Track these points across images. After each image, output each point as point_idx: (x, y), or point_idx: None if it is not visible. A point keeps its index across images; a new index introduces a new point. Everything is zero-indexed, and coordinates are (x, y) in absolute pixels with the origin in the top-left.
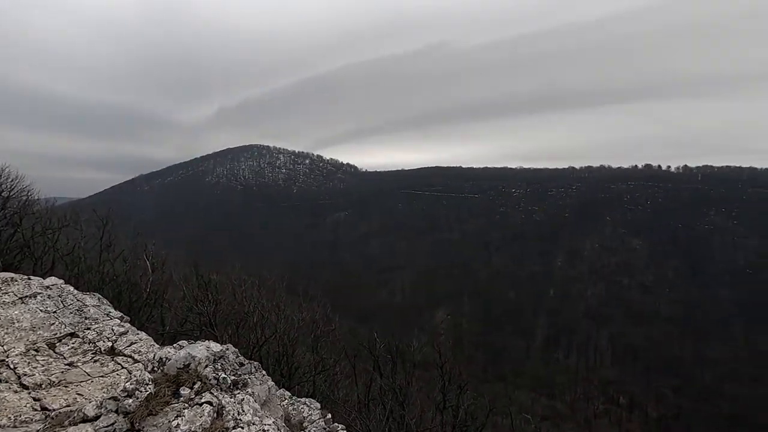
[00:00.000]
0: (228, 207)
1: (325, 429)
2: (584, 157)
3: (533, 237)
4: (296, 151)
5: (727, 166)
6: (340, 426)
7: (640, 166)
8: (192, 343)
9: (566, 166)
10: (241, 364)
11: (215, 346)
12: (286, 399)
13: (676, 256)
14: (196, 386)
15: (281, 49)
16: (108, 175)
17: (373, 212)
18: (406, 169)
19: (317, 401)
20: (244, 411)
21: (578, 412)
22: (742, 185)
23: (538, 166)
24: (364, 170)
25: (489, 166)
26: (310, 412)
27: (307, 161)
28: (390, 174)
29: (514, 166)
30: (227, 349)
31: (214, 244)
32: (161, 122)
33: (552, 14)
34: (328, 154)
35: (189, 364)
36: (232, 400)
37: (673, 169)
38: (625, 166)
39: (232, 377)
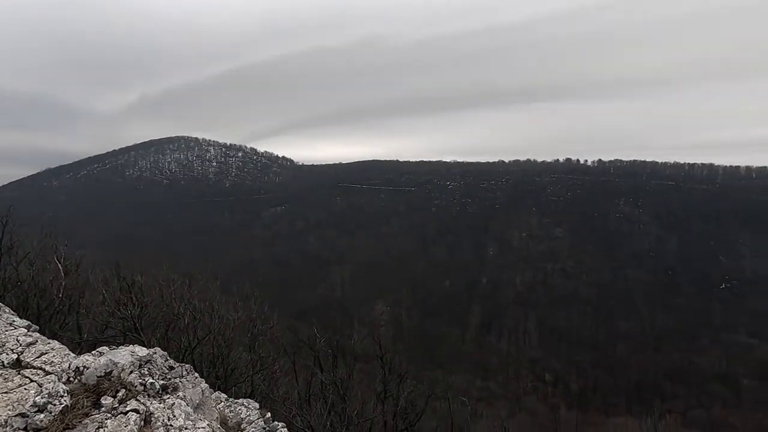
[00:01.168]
0: (153, 203)
1: (264, 428)
2: (513, 152)
3: (467, 228)
4: (228, 144)
5: (634, 161)
6: (280, 424)
7: (561, 160)
8: (114, 349)
9: (497, 160)
10: (171, 368)
11: (141, 351)
12: (222, 401)
13: (592, 242)
14: (119, 394)
15: (209, 37)
16: (6, 170)
17: (311, 207)
18: (344, 162)
19: (256, 401)
20: (175, 416)
21: (510, 391)
22: (646, 178)
23: (471, 160)
24: (300, 164)
25: (425, 159)
26: (248, 413)
27: (240, 154)
28: (327, 168)
29: (448, 160)
30: (155, 353)
31: (138, 244)
32: (73, 111)
33: (480, 14)
34: (262, 147)
35: (111, 372)
36: (161, 405)
37: (589, 163)
38: (549, 160)
39: (161, 382)
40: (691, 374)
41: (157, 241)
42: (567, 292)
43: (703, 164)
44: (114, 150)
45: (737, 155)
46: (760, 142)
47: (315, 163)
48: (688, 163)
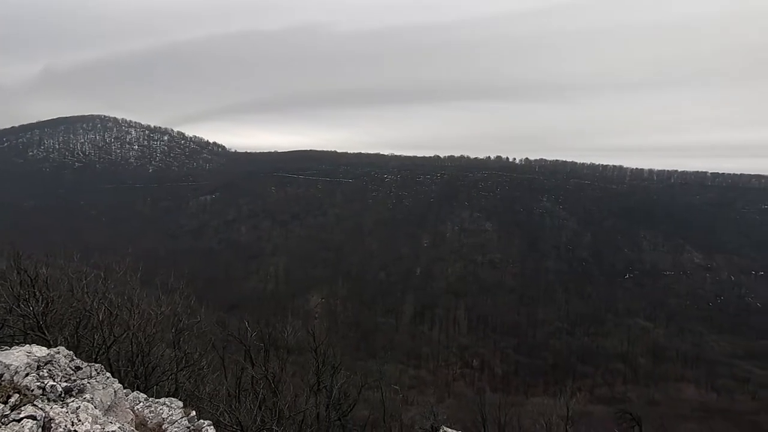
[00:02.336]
0: (62, 187)
1: (189, 428)
2: (448, 148)
3: (403, 221)
4: (152, 126)
5: (556, 160)
6: (207, 422)
7: (492, 157)
8: (5, 349)
9: (433, 155)
10: (78, 368)
11: (40, 351)
12: (141, 401)
13: (517, 236)
14: (12, 399)
15: (132, 10)
16: None
17: (243, 196)
18: (280, 151)
19: (180, 399)
20: (80, 420)
21: (440, 378)
22: (566, 176)
23: (408, 154)
24: (233, 151)
25: (363, 152)
26: (170, 412)
27: (166, 138)
28: (262, 156)
29: (386, 153)
30: (57, 353)
31: (43, 232)
32: None
33: (419, 11)
34: (191, 132)
35: (2, 375)
36: (63, 410)
37: (517, 161)
38: (481, 157)
39: (64, 384)
40: (598, 355)
41: (66, 229)
42: (494, 282)
43: (614, 166)
44: (13, 127)
45: (642, 159)
46: (661, 147)
47: (249, 151)
48: (602, 165)
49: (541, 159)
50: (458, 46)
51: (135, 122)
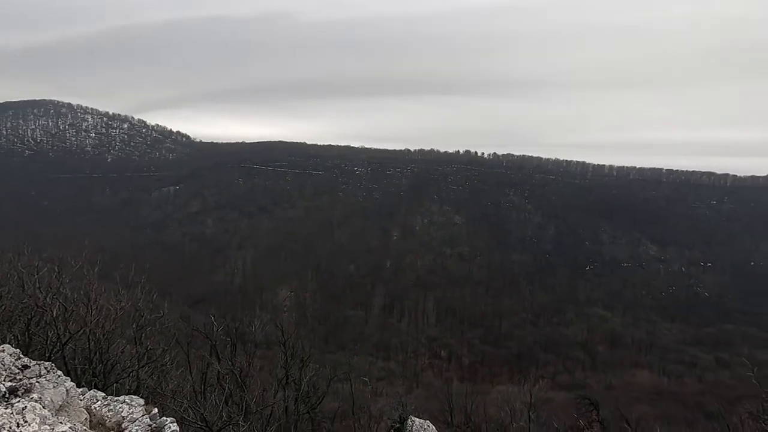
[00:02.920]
0: (10, 176)
1: (150, 426)
2: (418, 141)
3: (373, 213)
4: (110, 113)
5: (523, 156)
6: (169, 419)
7: (461, 151)
8: None
9: (403, 148)
10: (25, 367)
11: None
12: (98, 400)
13: (485, 229)
14: None
15: None
16: None
17: (209, 187)
18: (247, 142)
19: (142, 397)
20: (26, 421)
21: (408, 369)
22: (532, 171)
23: (379, 147)
24: (198, 140)
25: (333, 144)
26: (131, 411)
27: (126, 126)
28: (228, 146)
29: (356, 146)
30: (2, 352)
31: None
32: None
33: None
34: (153, 120)
35: None
36: (8, 411)
37: (486, 155)
38: (451, 150)
39: (9, 384)
40: (559, 344)
41: (15, 221)
42: (462, 274)
43: (577, 162)
44: None
45: (604, 155)
46: (621, 144)
47: (215, 141)
48: (566, 160)
49: (509, 154)
50: (429, 39)
51: (92, 108)
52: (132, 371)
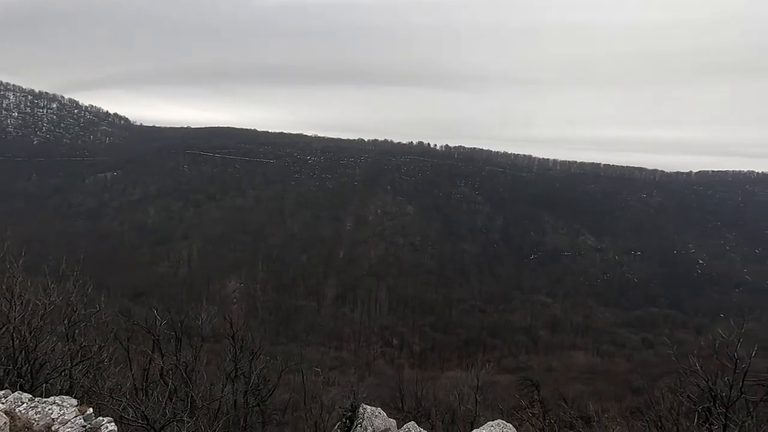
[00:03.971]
0: None
1: (84, 426)
2: (372, 131)
3: (326, 203)
4: (36, 91)
5: (473, 148)
6: (107, 419)
7: (414, 142)
8: None
9: (357, 138)
10: None
11: None
12: (24, 402)
13: (437, 219)
14: None
15: None
16: None
17: (151, 174)
18: (193, 127)
19: (75, 397)
20: None
21: (361, 358)
22: (482, 164)
23: (332, 136)
24: (138, 124)
25: (285, 131)
26: (62, 412)
27: (55, 105)
28: (172, 131)
29: (309, 134)
30: None
31: None
32: None
33: None
34: (86, 100)
35: None
36: None
37: (438, 147)
38: (404, 141)
39: None
40: (505, 330)
41: None
42: (414, 263)
43: (524, 155)
44: None
45: (548, 149)
46: (564, 140)
47: (157, 125)
48: (514, 154)
49: (460, 146)
50: (383, 29)
51: (14, 85)
52: (64, 370)
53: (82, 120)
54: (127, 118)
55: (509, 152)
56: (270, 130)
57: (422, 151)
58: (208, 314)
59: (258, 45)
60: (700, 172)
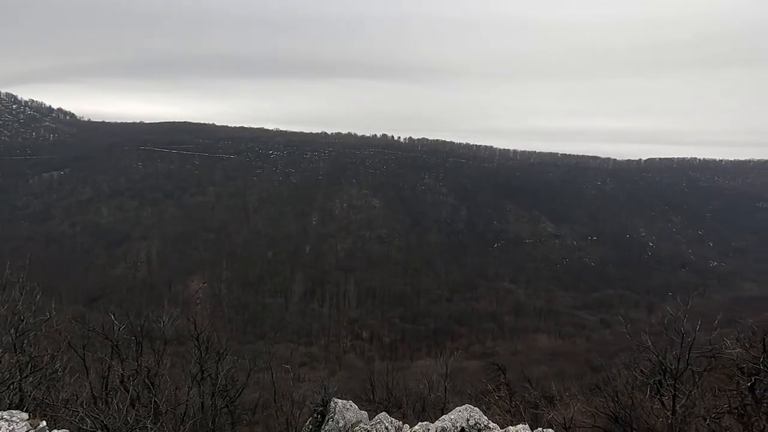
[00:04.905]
0: None
1: None
2: (335, 124)
3: (290, 198)
4: None
5: (437, 140)
6: (62, 431)
7: (378, 135)
8: None
9: (320, 131)
10: None
11: None
12: None
13: (402, 211)
14: None
15: None
16: None
17: (102, 172)
18: (147, 122)
19: (26, 411)
20: None
21: (331, 352)
22: (445, 155)
23: (294, 129)
24: (85, 119)
25: (245, 126)
26: (11, 428)
27: None
28: (124, 127)
29: (271, 128)
30: None
31: None
32: None
33: None
34: (25, 94)
35: None
36: None
37: (402, 139)
38: (368, 134)
39: None
40: (472, 317)
41: None
42: (381, 256)
43: (485, 146)
44: None
45: (508, 140)
46: (523, 131)
47: (107, 121)
48: (476, 145)
49: (423, 138)
50: (344, 21)
51: None
52: (12, 383)
53: (22, 116)
54: (72, 114)
55: (471, 143)
56: (229, 125)
57: (386, 143)
58: (171, 316)
59: (213, 36)
60: (648, 159)
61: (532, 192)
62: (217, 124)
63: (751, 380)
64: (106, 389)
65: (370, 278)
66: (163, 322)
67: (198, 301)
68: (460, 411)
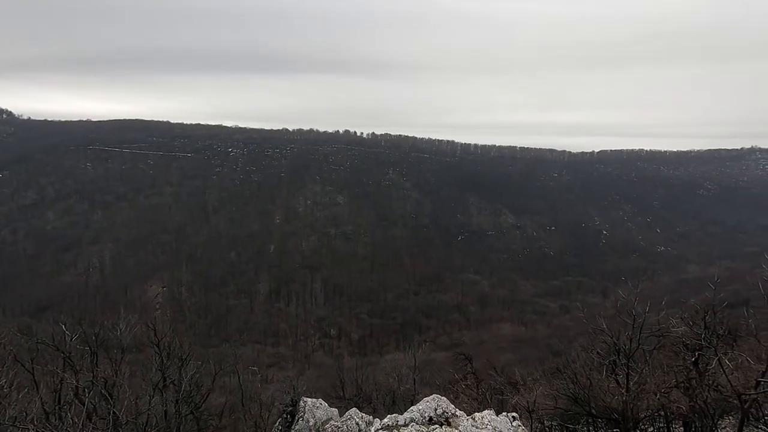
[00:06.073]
0: None
1: None
2: (296, 120)
3: (252, 197)
4: None
5: (399, 135)
6: None
7: (341, 131)
8: None
9: (281, 128)
10: None
11: None
12: None
13: (368, 207)
14: None
15: None
16: None
17: (46, 174)
18: (95, 120)
19: None
20: None
21: (299, 351)
22: (408, 150)
23: (254, 126)
24: (25, 118)
25: (202, 123)
26: None
27: None
28: (69, 125)
29: (229, 125)
30: None
31: None
32: None
33: None
34: None
35: None
36: None
37: (365, 135)
38: (330, 130)
39: None
40: (439, 309)
41: None
42: (347, 252)
43: (447, 141)
44: None
45: (470, 135)
46: (483, 125)
47: (50, 119)
48: (438, 140)
49: (386, 134)
50: (300, 15)
51: None
52: None
53: None
54: (10, 112)
55: (434, 138)
56: (185, 122)
57: (349, 139)
58: (128, 323)
59: (165, 29)
60: (601, 151)
61: (493, 185)
62: (172, 121)
63: (695, 355)
64: (59, 403)
65: (336, 275)
66: (120, 330)
67: (157, 306)
68: (428, 401)
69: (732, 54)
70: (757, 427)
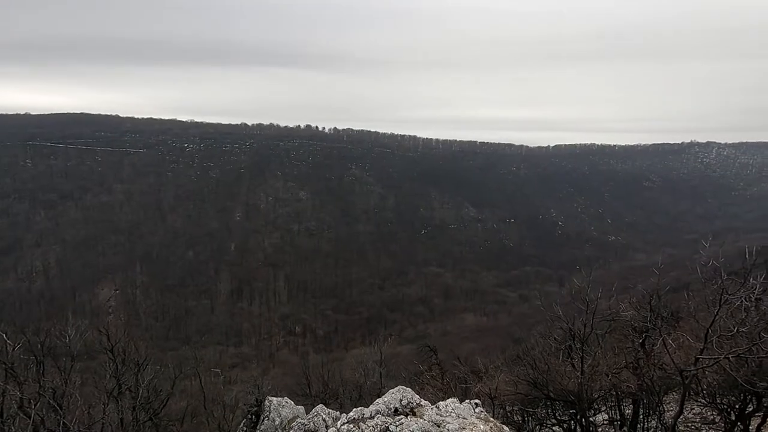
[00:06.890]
0: None
1: None
2: (255, 115)
3: (210, 194)
4: None
5: (362, 130)
6: None
7: (302, 126)
8: None
9: (239, 123)
10: None
11: None
12: None
13: (331, 202)
14: None
15: None
16: None
17: None
18: (34, 114)
19: None
20: None
21: (263, 351)
22: (371, 145)
23: (211, 121)
24: None
25: (155, 117)
26: None
27: None
28: (4, 119)
29: (184, 119)
30: None
31: None
32: None
33: None
34: None
35: None
36: None
37: (327, 130)
38: (291, 125)
39: None
40: (403, 303)
41: None
42: (311, 249)
43: (410, 136)
44: None
45: (431, 129)
46: (444, 120)
47: None
48: (400, 134)
49: (349, 129)
50: (255, 7)
51: None
52: None
53: None
54: None
55: (396, 133)
56: (136, 116)
57: (311, 134)
58: (78, 329)
59: (111, 16)
60: (556, 146)
61: (455, 179)
62: (121, 115)
63: (642, 337)
64: (2, 417)
65: (300, 272)
66: (69, 337)
67: (110, 310)
68: (393, 393)
69: (674, 53)
70: (696, 401)
